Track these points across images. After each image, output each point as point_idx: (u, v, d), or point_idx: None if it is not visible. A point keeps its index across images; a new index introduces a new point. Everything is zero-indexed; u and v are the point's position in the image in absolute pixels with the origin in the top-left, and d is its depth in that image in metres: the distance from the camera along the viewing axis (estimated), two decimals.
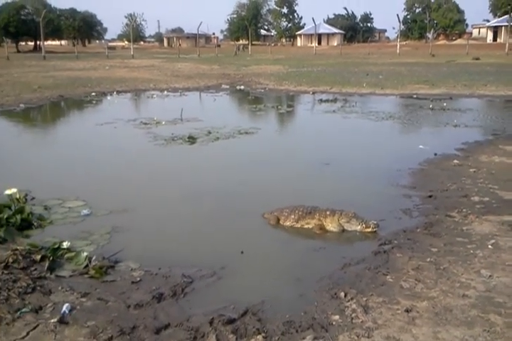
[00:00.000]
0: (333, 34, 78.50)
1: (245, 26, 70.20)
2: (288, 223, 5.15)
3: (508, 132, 10.60)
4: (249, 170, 7.59)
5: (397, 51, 46.50)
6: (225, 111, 15.46)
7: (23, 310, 3.36)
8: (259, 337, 3.10)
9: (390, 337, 3.05)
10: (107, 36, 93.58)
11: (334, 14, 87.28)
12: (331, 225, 5.01)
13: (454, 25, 74.09)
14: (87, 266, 4.08)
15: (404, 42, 64.64)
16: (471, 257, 4.21)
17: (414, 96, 17.67)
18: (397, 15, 48.92)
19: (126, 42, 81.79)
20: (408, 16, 78.96)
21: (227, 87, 22.27)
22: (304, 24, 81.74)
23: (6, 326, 3.18)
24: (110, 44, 73.70)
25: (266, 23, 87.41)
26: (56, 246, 4.34)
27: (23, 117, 13.94)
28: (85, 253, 4.22)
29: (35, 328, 3.16)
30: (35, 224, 5.09)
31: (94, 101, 17.03)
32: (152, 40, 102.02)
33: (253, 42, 67.88)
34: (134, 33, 67.03)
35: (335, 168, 7.65)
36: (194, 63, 35.73)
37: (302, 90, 20.17)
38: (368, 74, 25.04)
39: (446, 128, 11.37)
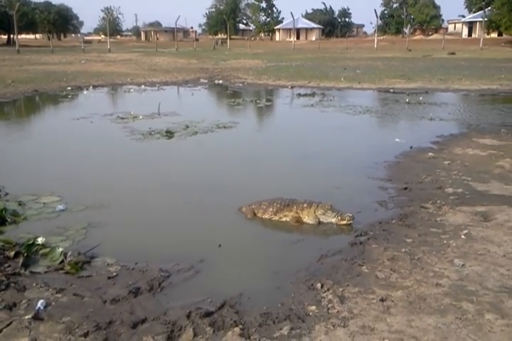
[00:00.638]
0: (312, 29, 78.64)
1: (224, 20, 69.75)
2: (266, 216, 5.17)
3: (482, 125, 10.82)
4: (227, 164, 7.58)
5: (375, 46, 46.93)
6: (203, 106, 15.39)
7: None
8: (237, 329, 3.11)
9: (365, 326, 3.09)
10: (83, 30, 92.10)
11: (312, 9, 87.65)
12: (307, 218, 5.05)
13: (431, 21, 75.04)
14: (62, 261, 4.03)
15: (382, 37, 65.18)
16: (445, 247, 4.29)
17: (391, 90, 17.85)
18: (375, 10, 49.42)
19: (102, 36, 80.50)
20: (385, 11, 79.70)
21: (206, 81, 22.16)
22: (283, 19, 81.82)
23: None
24: (86, 38, 72.43)
25: (244, 18, 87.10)
26: (30, 242, 4.27)
27: None
28: (60, 249, 4.17)
29: (8, 325, 3.11)
30: (8, 220, 4.99)
31: (69, 96, 16.75)
32: (129, 33, 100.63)
33: (232, 37, 67.61)
34: (111, 26, 66.02)
35: (313, 161, 7.69)
36: (172, 57, 35.41)
37: (281, 84, 20.19)
38: (345, 69, 25.21)
39: (422, 121, 11.54)
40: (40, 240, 4.30)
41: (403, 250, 4.24)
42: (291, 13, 53.07)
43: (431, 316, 3.20)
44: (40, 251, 4.21)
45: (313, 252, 4.32)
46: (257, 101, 15.64)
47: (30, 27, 62.89)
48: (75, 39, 77.76)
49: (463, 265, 3.91)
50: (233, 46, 55.28)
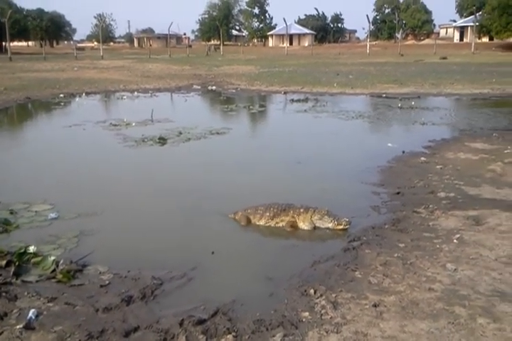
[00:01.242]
0: (304, 34, 79.01)
1: (217, 26, 69.91)
2: (263, 221, 5.15)
3: (474, 129, 10.89)
4: (221, 171, 7.57)
5: (367, 51, 47.18)
6: (197, 112, 15.40)
7: None
8: (230, 336, 3.10)
9: (359, 332, 3.09)
10: (76, 37, 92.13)
11: (305, 15, 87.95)
12: (303, 223, 5.04)
13: (422, 26, 75.63)
14: (54, 270, 4.01)
15: (374, 43, 65.55)
16: (437, 252, 4.30)
17: (384, 95, 17.95)
18: (367, 15, 49.81)
19: (95, 42, 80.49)
20: (378, 17, 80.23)
21: (199, 87, 22.19)
22: (276, 24, 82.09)
23: None
24: (79, 45, 72.35)
25: (237, 24, 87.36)
26: (22, 250, 4.25)
27: None
28: (52, 258, 4.15)
29: None
30: (0, 228, 4.96)
31: (62, 103, 16.71)
32: (122, 40, 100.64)
33: (225, 43, 67.74)
34: (104, 33, 66.08)
35: (306, 166, 7.71)
36: (165, 64, 35.44)
37: (274, 90, 20.26)
38: (338, 74, 25.33)
39: (414, 126, 11.61)
40: (31, 249, 4.28)
41: (396, 255, 4.25)
42: (284, 19, 53.40)
43: (423, 321, 3.20)
44: (32, 260, 4.18)
45: (306, 258, 4.32)
46: (250, 107, 15.68)
47: (22, 34, 62.66)
48: (67, 46, 77.73)
49: (455, 269, 3.92)
50: (226, 52, 55.44)
